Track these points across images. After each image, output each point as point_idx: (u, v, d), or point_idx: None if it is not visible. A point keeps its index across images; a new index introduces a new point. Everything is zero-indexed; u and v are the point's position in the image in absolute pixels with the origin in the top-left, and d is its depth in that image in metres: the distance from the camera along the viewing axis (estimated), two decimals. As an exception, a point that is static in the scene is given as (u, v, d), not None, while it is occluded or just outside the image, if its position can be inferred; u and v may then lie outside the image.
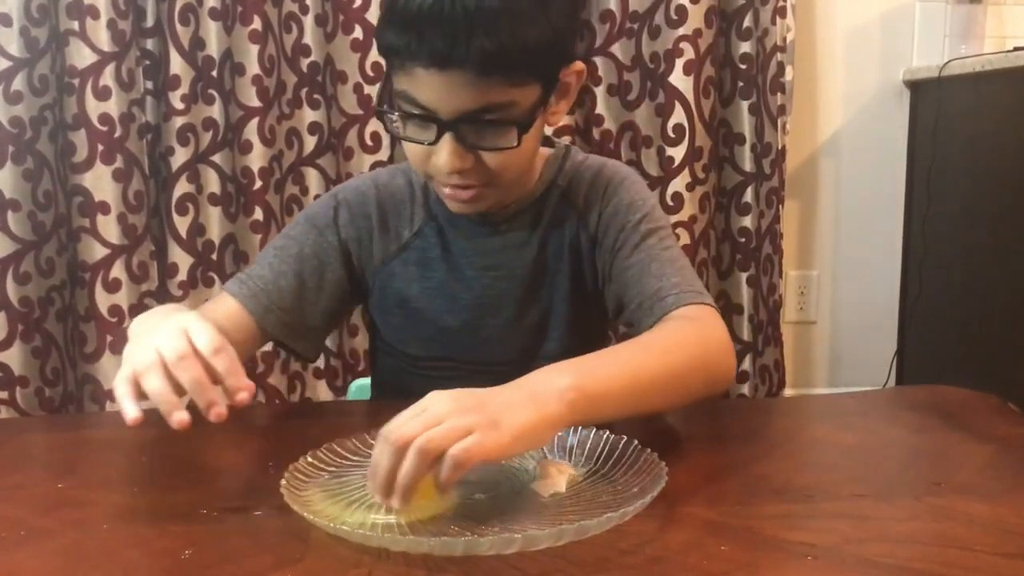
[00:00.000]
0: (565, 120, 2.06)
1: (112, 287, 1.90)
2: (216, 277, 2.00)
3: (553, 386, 0.72)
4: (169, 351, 0.73)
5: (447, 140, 0.87)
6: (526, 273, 1.02)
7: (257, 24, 1.93)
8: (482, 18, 0.81)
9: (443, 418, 0.66)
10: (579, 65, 0.94)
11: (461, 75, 0.83)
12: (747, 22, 2.15)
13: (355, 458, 0.76)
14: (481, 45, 0.81)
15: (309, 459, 0.74)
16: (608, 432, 0.78)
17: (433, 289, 1.02)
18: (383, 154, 2.05)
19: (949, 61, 2.20)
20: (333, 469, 0.74)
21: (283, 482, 0.68)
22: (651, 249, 0.97)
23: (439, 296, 1.02)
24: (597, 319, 1.06)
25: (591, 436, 0.79)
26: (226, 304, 0.97)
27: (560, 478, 0.73)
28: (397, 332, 1.05)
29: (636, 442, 0.75)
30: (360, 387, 1.27)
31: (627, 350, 0.85)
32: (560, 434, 0.80)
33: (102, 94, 1.85)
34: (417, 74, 0.84)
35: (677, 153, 2.12)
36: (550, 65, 0.89)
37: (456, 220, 1.01)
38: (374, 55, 2.01)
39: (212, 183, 1.98)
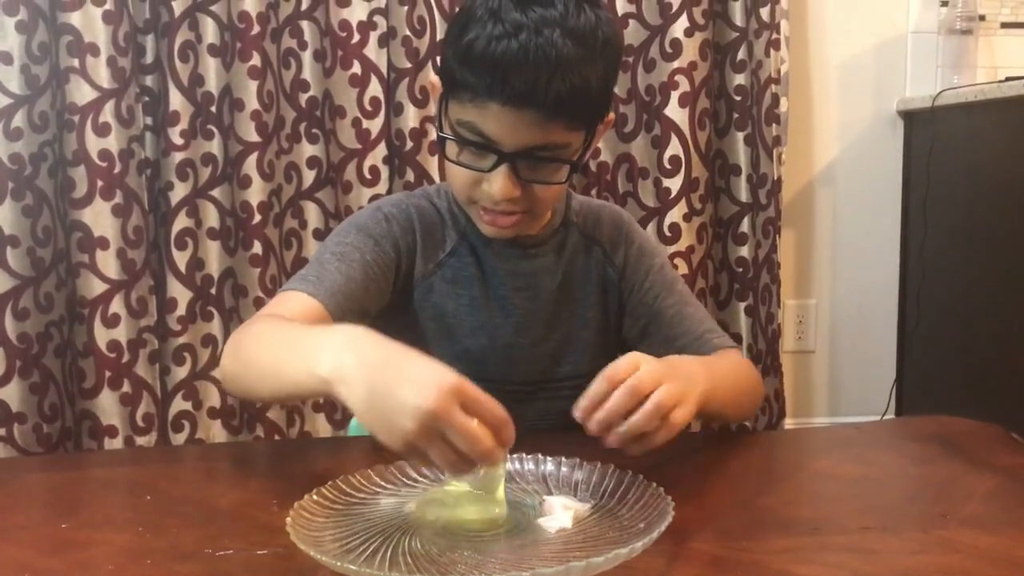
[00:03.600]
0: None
1: (111, 322, 1.89)
2: (215, 311, 2.00)
3: (697, 383, 0.83)
4: (477, 454, 0.67)
5: (503, 170, 0.92)
6: (552, 297, 1.08)
7: (256, 60, 1.94)
8: (561, 65, 0.87)
9: (662, 379, 0.77)
10: (611, 115, 1.01)
11: (532, 115, 0.88)
12: (741, 54, 2.17)
13: (360, 495, 0.76)
14: (557, 89, 0.87)
15: (315, 497, 0.73)
16: (613, 466, 0.78)
17: (467, 306, 1.05)
18: (382, 187, 2.06)
19: (942, 91, 2.22)
20: (339, 507, 0.74)
21: (289, 520, 0.68)
22: (681, 294, 1.11)
23: (473, 313, 1.05)
24: (613, 347, 1.12)
25: (596, 471, 0.79)
26: (304, 304, 0.94)
27: (566, 514, 0.73)
28: (426, 346, 1.06)
29: (641, 476, 0.75)
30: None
31: (724, 365, 0.99)
32: (565, 469, 0.81)
33: (102, 130, 1.85)
34: (489, 110, 0.89)
35: (674, 184, 2.13)
36: (600, 113, 0.96)
37: (489, 242, 1.05)
38: (372, 90, 2.03)
39: (211, 217, 1.98)
